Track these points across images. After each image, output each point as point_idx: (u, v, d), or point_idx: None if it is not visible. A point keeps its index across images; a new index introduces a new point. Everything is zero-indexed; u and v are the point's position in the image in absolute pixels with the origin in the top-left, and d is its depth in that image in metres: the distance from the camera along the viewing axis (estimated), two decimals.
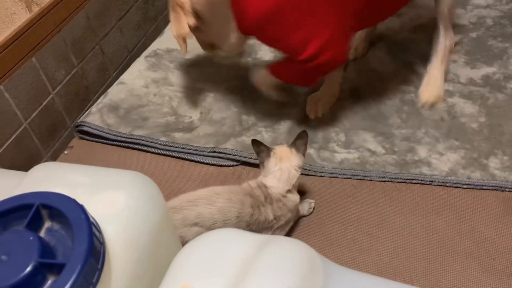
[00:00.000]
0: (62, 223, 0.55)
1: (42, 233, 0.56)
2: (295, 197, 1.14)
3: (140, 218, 0.62)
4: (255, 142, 1.15)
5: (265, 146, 1.15)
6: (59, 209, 0.54)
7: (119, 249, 0.59)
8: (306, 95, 1.57)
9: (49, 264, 0.51)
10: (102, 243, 0.55)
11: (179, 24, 1.33)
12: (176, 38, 1.38)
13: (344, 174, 1.34)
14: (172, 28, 1.38)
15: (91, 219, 0.55)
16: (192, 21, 1.31)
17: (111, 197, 0.62)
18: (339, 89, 1.57)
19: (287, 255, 0.55)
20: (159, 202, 0.70)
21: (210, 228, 0.98)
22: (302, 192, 1.28)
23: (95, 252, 0.52)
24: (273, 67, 1.42)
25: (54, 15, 1.43)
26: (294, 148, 1.15)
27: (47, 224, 0.56)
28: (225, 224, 0.99)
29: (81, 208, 0.55)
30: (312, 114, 1.51)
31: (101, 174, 0.69)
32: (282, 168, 1.12)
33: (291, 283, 0.51)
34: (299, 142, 1.15)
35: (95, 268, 0.52)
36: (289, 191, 1.12)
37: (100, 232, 0.56)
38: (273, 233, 1.11)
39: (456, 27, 1.81)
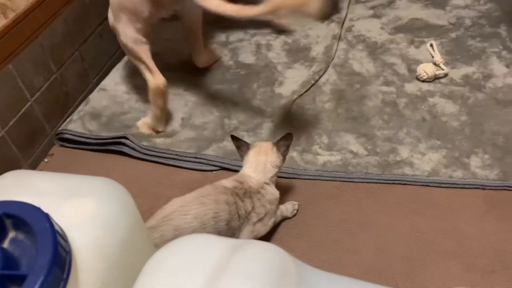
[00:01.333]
0: (27, 232, 0.54)
1: (6, 244, 0.54)
2: (274, 190, 1.15)
3: (110, 225, 0.61)
4: (234, 138, 1.18)
5: (244, 141, 1.18)
6: (23, 219, 0.53)
7: (88, 257, 0.57)
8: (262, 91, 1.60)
9: (11, 275, 0.49)
10: (68, 252, 0.53)
11: None
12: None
13: (327, 176, 1.33)
14: None
15: (57, 228, 0.53)
16: None
17: (80, 205, 0.61)
18: None
19: (259, 259, 0.54)
20: (130, 209, 0.69)
21: None
22: (284, 194, 1.27)
23: (59, 261, 0.51)
24: None
25: (31, 21, 1.41)
26: (276, 147, 1.17)
27: (11, 234, 0.55)
28: (203, 229, 0.98)
29: (46, 216, 0.54)
30: None
31: (70, 181, 0.67)
32: (258, 160, 1.14)
33: (262, 287, 0.50)
34: (282, 143, 1.17)
35: (60, 278, 0.51)
36: (266, 184, 1.12)
37: (66, 241, 0.54)
38: (254, 228, 1.10)
39: (437, 28, 1.82)
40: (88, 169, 1.44)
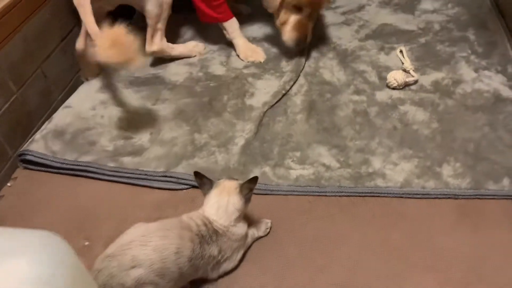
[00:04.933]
0: None
1: None
2: (240, 230, 1.09)
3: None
4: (197, 175, 1.10)
5: (207, 178, 1.10)
6: None
7: None
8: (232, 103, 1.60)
9: None
10: None
11: None
12: None
13: (300, 191, 1.31)
14: None
15: None
16: None
17: (9, 267, 0.54)
18: None
19: None
20: (69, 264, 0.63)
21: (149, 268, 0.93)
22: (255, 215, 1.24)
23: None
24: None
25: None
26: (239, 188, 1.09)
27: None
28: (163, 263, 0.94)
29: None
30: None
31: (1, 238, 0.61)
32: (219, 201, 1.07)
33: None
34: (246, 185, 1.08)
35: None
36: (232, 226, 1.07)
37: None
38: (221, 267, 1.07)
39: (406, 33, 1.82)
40: (53, 193, 1.39)
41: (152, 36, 1.69)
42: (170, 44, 1.77)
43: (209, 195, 1.09)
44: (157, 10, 1.63)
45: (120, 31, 1.27)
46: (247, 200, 1.11)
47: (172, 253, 0.95)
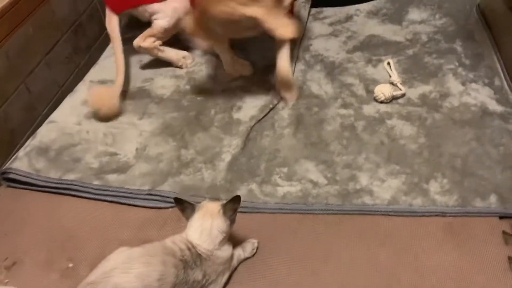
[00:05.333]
0: None
1: None
2: (225, 253, 1.08)
3: None
4: (178, 201, 1.08)
5: (188, 203, 1.08)
6: None
7: None
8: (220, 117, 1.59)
9: None
10: None
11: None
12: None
13: (287, 209, 1.30)
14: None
15: None
16: None
17: None
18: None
19: None
20: None
21: None
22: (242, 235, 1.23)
23: None
24: None
25: None
26: (222, 210, 1.07)
27: None
28: None
29: None
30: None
31: None
32: (202, 225, 1.05)
33: None
34: (229, 206, 1.06)
35: None
36: (216, 250, 1.05)
37: None
38: None
39: (393, 45, 1.82)
40: (37, 212, 1.37)
41: (149, 36, 1.69)
42: (161, 46, 1.75)
43: (192, 219, 1.07)
44: (166, 25, 1.65)
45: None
46: (231, 221, 1.09)
47: (155, 280, 0.94)
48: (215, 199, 1.23)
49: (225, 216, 1.07)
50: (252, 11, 1.31)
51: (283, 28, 1.34)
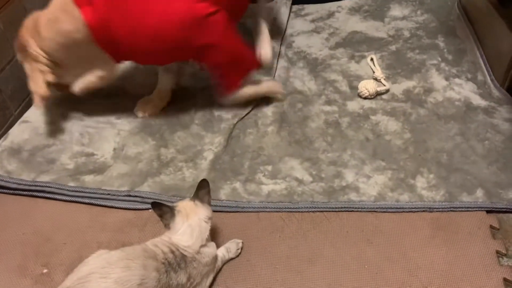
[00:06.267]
0: None
1: None
2: (210, 249, 1.05)
3: None
4: (156, 206, 1.04)
5: (167, 206, 1.04)
6: None
7: None
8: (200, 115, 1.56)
9: None
10: None
11: (37, 84, 1.35)
12: (34, 95, 1.37)
13: (272, 208, 1.26)
14: (31, 85, 1.37)
15: None
16: (51, 77, 1.36)
17: None
18: (170, 95, 1.59)
19: None
20: None
21: None
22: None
23: None
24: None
25: None
26: (197, 200, 1.07)
27: None
28: None
29: None
30: (140, 113, 1.56)
31: None
32: (191, 224, 1.03)
33: None
34: (202, 193, 1.07)
35: None
36: (203, 245, 1.02)
37: None
38: None
39: (376, 41, 1.80)
40: (9, 216, 1.30)
41: None
42: None
43: (175, 224, 1.03)
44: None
45: None
46: (209, 204, 1.10)
47: (135, 284, 0.88)
48: (181, 198, 1.20)
49: (203, 204, 1.07)
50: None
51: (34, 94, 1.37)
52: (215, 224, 1.16)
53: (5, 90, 1.52)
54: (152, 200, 1.26)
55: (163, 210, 1.04)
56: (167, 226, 1.04)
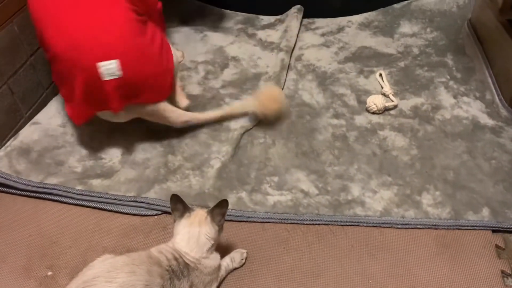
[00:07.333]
0: None
1: None
2: (212, 262, 1.04)
3: None
4: (175, 198, 1.04)
5: (182, 205, 1.05)
6: None
7: None
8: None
9: None
10: None
11: None
12: None
13: (277, 219, 1.26)
14: None
15: None
16: None
17: None
18: None
19: None
20: None
21: None
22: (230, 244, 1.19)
23: None
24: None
25: None
26: (210, 216, 1.05)
27: None
28: None
29: None
30: None
31: None
32: (190, 232, 1.02)
33: None
34: (217, 211, 1.05)
35: None
36: (204, 258, 1.02)
37: None
38: None
39: (385, 56, 1.81)
40: (16, 217, 1.31)
41: None
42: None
43: (179, 225, 1.04)
44: None
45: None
46: (220, 227, 1.06)
47: None
48: (203, 206, 1.19)
49: (213, 222, 1.04)
50: None
51: None
52: (220, 241, 1.14)
53: (17, 93, 1.54)
54: (157, 206, 1.29)
55: (177, 206, 1.04)
56: (174, 222, 1.05)
